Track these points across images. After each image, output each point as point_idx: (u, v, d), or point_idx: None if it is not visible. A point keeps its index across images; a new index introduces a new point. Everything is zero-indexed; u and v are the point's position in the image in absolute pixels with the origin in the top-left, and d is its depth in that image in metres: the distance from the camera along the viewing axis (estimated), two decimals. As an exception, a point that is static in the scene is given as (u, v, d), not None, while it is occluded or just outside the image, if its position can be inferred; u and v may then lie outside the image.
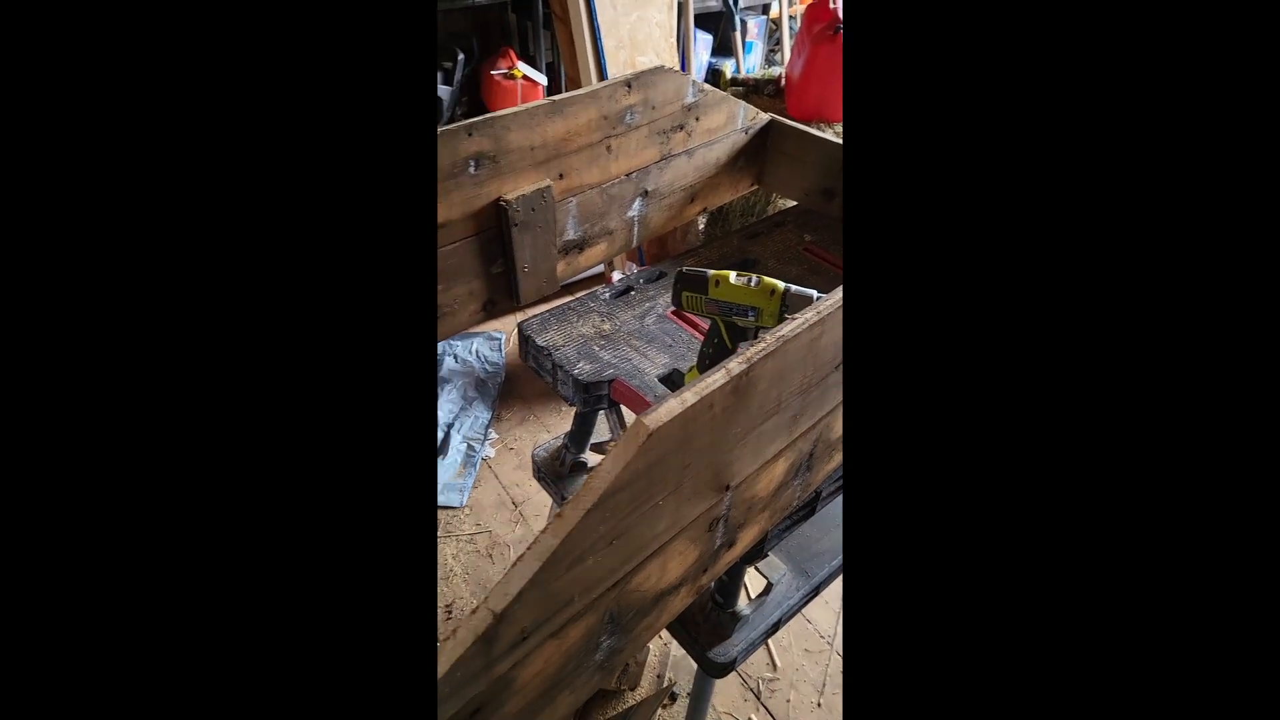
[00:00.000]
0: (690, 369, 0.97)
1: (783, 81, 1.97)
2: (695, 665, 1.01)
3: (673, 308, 1.13)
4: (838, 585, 1.49)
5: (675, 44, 2.00)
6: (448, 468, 1.83)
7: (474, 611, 0.44)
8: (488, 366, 2.13)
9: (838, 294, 0.63)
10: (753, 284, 0.86)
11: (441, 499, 1.77)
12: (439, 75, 2.14)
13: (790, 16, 2.67)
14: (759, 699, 1.41)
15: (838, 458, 0.88)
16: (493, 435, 1.95)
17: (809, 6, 1.76)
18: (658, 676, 1.43)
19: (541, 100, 0.97)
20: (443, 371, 2.08)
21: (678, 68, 2.18)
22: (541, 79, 2.25)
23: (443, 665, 0.42)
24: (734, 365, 0.52)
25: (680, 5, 2.14)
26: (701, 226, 2.23)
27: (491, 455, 1.90)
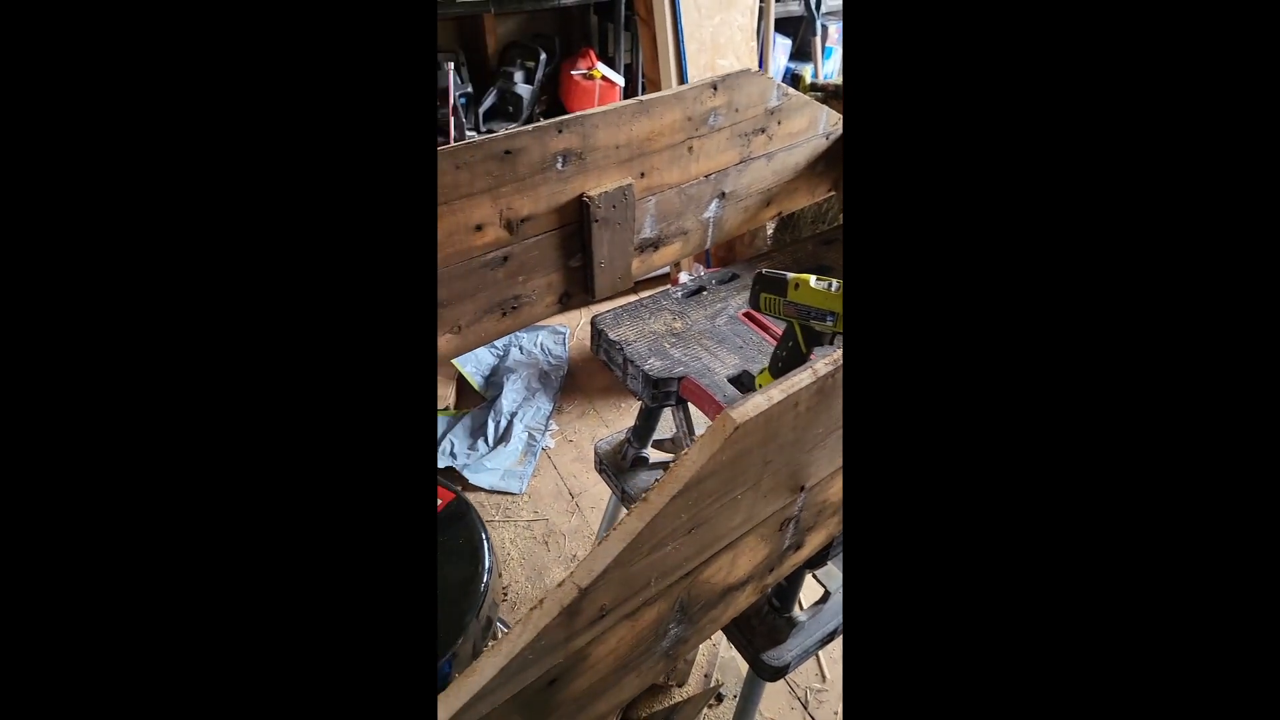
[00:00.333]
0: (761, 371, 0.97)
1: (863, 87, 1.93)
2: (743, 668, 1.01)
3: (744, 310, 1.14)
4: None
5: (755, 47, 1.99)
6: (509, 455, 1.88)
7: (560, 584, 0.46)
8: (551, 359, 2.18)
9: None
10: (832, 289, 0.85)
11: (502, 485, 1.82)
12: (521, 74, 2.20)
13: (873, 22, 2.62)
14: (805, 708, 1.40)
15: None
16: (553, 426, 1.99)
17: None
18: (705, 676, 1.44)
19: (629, 100, 0.99)
20: (508, 362, 2.14)
21: (756, 69, 2.17)
22: (619, 80, 2.28)
23: (529, 633, 0.45)
24: (821, 366, 0.52)
25: (761, 9, 2.14)
26: (770, 232, 2.22)
27: (551, 446, 1.94)
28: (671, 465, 0.48)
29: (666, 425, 1.25)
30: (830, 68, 2.78)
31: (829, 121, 1.28)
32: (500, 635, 1.02)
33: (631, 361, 1.03)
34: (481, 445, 1.91)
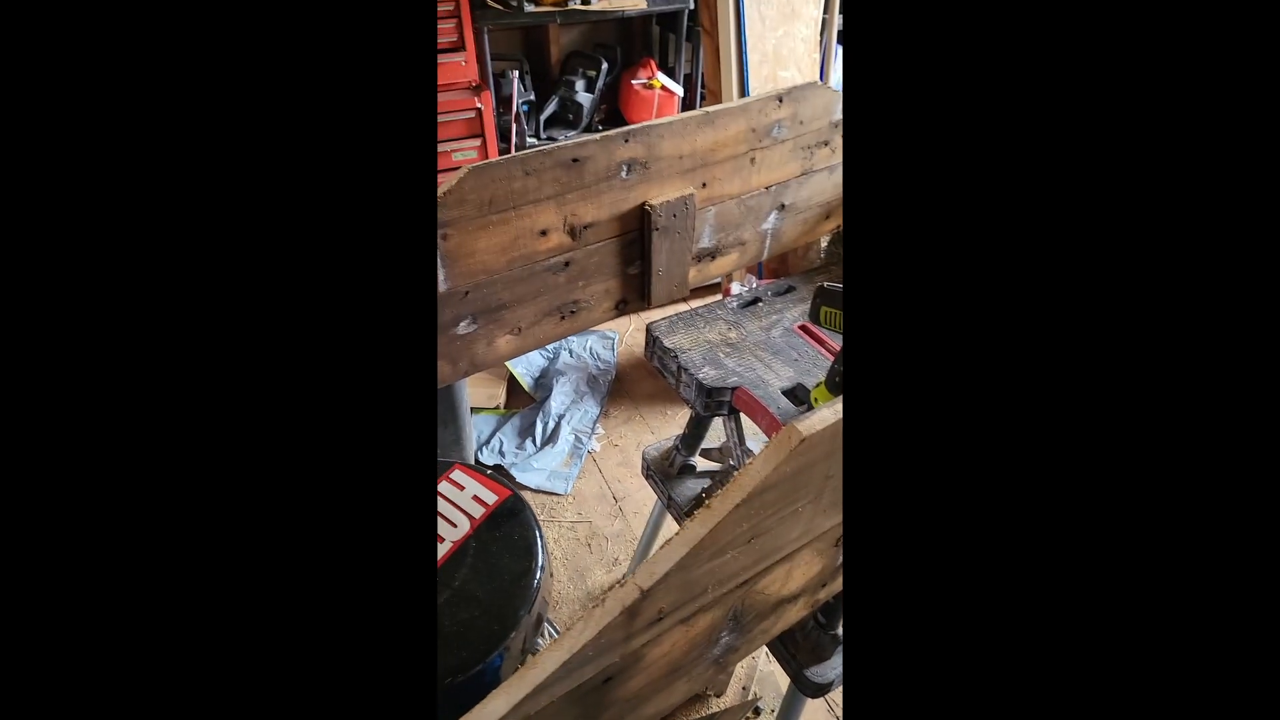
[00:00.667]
0: (817, 385, 0.97)
1: (927, 101, 1.91)
2: (782, 682, 1.01)
3: (800, 322, 1.13)
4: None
5: (817, 59, 1.99)
6: (556, 456, 1.91)
7: (623, 585, 0.47)
8: (600, 364, 2.20)
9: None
10: (894, 305, 0.84)
11: (547, 485, 1.85)
12: (582, 83, 2.24)
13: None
14: (845, 730, 1.37)
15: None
16: (599, 430, 2.01)
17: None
18: (743, 689, 1.43)
19: (695, 111, 1.00)
20: (558, 364, 2.17)
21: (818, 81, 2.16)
22: (678, 90, 2.30)
23: (590, 631, 0.46)
24: (888, 382, 0.52)
25: (825, 21, 2.13)
26: (824, 244, 2.20)
27: (597, 449, 1.96)
28: (736, 474, 0.48)
29: (714, 434, 1.25)
30: (892, 80, 2.73)
31: (893, 135, 1.26)
32: (549, 635, 1.04)
33: (685, 369, 1.04)
34: (529, 445, 1.94)
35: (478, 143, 2.08)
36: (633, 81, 2.27)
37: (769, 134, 1.09)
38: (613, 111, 2.38)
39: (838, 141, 1.19)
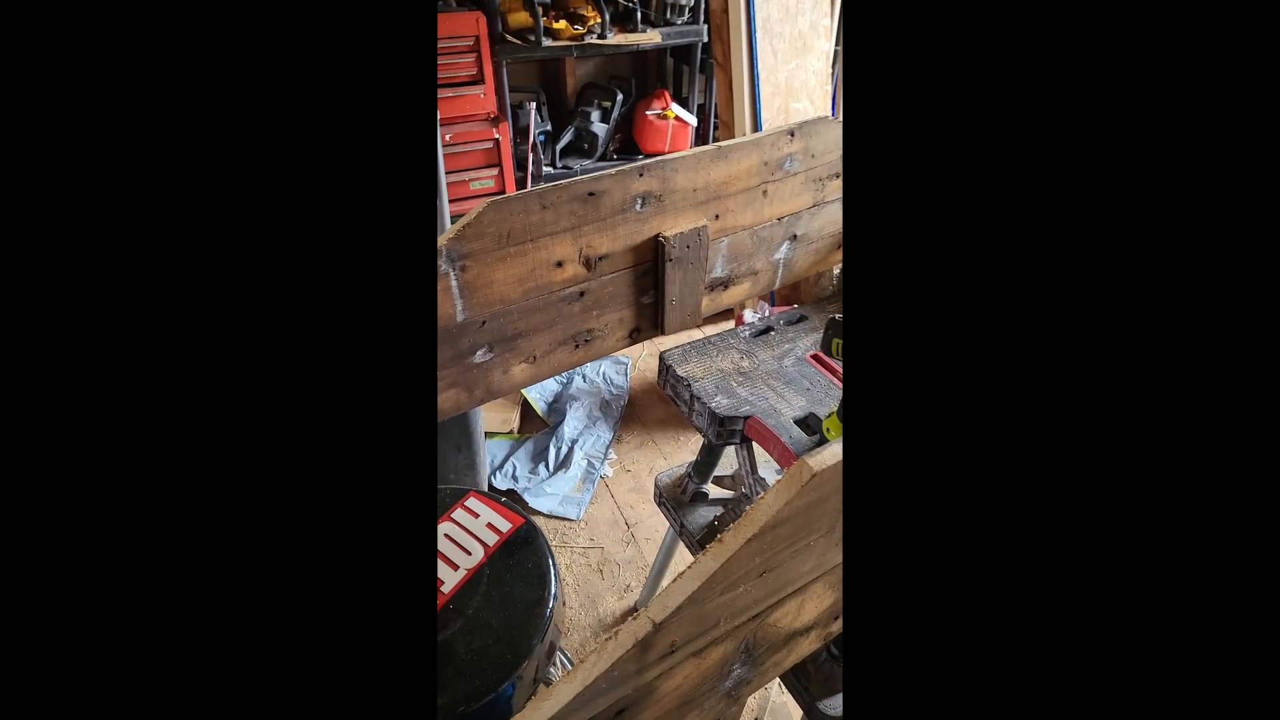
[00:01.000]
0: (829, 415, 0.97)
1: (938, 131, 1.93)
2: (794, 715, 1.00)
3: (812, 352, 1.14)
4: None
5: (829, 91, 2.02)
6: (568, 481, 1.92)
7: (636, 618, 0.47)
8: (613, 389, 2.22)
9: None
10: (905, 337, 0.85)
11: (560, 510, 1.85)
12: (597, 113, 2.29)
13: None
14: (860, 766, 1.35)
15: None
16: (612, 455, 2.02)
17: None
18: (755, 721, 1.41)
19: (709, 146, 1.02)
20: (571, 390, 2.19)
21: (829, 113, 2.19)
22: (692, 120, 2.35)
23: (603, 664, 0.46)
24: (898, 418, 0.53)
25: (837, 53, 2.17)
26: (836, 273, 2.21)
27: (609, 475, 1.96)
28: (748, 509, 0.49)
29: (726, 462, 1.25)
30: (903, 109, 2.76)
31: (904, 167, 1.28)
32: (560, 663, 1.03)
33: (698, 398, 1.05)
34: (542, 470, 1.95)
35: (495, 172, 2.13)
36: (647, 112, 2.32)
37: (781, 167, 1.11)
38: (627, 141, 2.42)
39: (849, 174, 1.21)
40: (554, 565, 0.85)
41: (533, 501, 1.87)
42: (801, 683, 0.98)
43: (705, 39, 2.22)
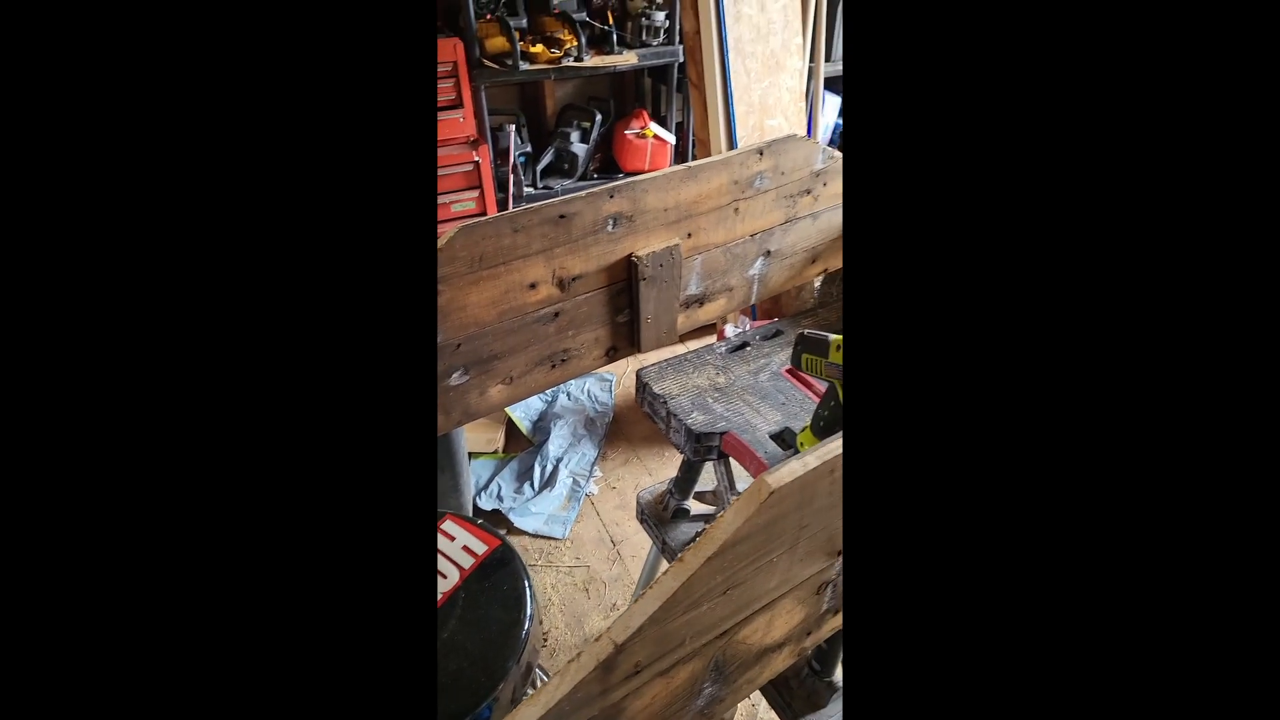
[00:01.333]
0: (803, 429, 0.98)
1: (911, 145, 1.96)
2: (785, 732, 0.99)
3: (788, 366, 1.15)
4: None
5: (804, 107, 2.05)
6: (554, 499, 1.91)
7: (598, 639, 0.48)
8: (598, 406, 2.22)
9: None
10: (873, 351, 0.86)
11: (545, 529, 1.85)
12: (577, 134, 2.32)
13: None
14: (850, 781, 1.34)
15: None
16: (597, 473, 2.02)
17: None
18: (744, 739, 1.40)
19: (678, 167, 1.04)
20: (555, 408, 2.19)
21: (804, 130, 2.23)
22: (670, 138, 2.38)
23: (566, 685, 0.47)
24: (856, 433, 0.54)
25: (811, 70, 2.21)
26: (817, 285, 2.24)
27: (595, 492, 1.96)
28: (708, 527, 0.50)
29: (709, 476, 1.26)
30: (879, 124, 2.80)
31: (874, 183, 1.30)
32: (540, 683, 1.03)
33: (675, 415, 1.06)
34: (527, 489, 1.95)
35: (476, 194, 2.14)
36: (626, 131, 2.35)
37: (751, 185, 1.13)
38: (607, 160, 2.45)
39: (819, 190, 1.23)
40: (530, 586, 0.85)
41: (518, 521, 1.86)
42: (784, 698, 0.98)
43: (681, 59, 2.25)
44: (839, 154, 1.23)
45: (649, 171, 1.08)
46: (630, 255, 1.05)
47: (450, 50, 1.95)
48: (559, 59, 2.07)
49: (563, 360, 1.09)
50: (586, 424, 2.15)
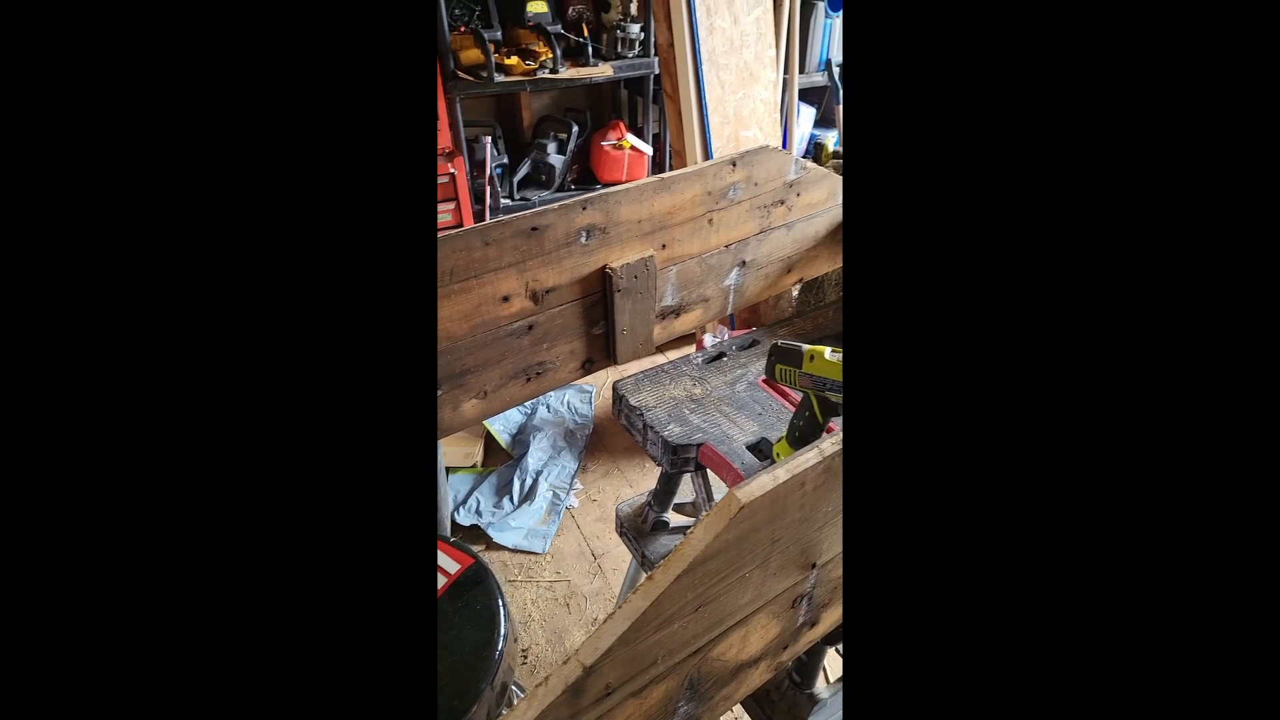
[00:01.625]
0: (779, 439, 0.98)
1: (885, 155, 1.98)
2: (768, 746, 0.98)
3: (763, 376, 1.15)
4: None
5: (779, 118, 2.07)
6: (534, 513, 1.89)
7: (566, 662, 0.46)
8: (578, 418, 2.20)
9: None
10: (847, 360, 0.87)
11: (525, 544, 1.82)
12: (554, 145, 2.31)
13: (895, 91, 2.69)
14: (834, 793, 1.33)
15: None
16: (578, 485, 2.00)
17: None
18: (727, 753, 1.39)
19: (651, 178, 1.04)
20: (535, 420, 2.17)
21: (779, 141, 2.25)
22: (647, 149, 2.38)
23: (533, 711, 0.45)
24: (827, 446, 0.53)
25: (785, 81, 2.23)
26: (795, 294, 2.25)
27: (575, 505, 1.94)
28: (678, 545, 0.49)
29: (688, 488, 1.25)
30: (854, 134, 2.84)
31: (847, 193, 1.31)
32: (515, 701, 1.01)
33: (651, 427, 1.05)
34: (507, 503, 1.92)
35: (452, 205, 2.13)
36: (603, 143, 2.35)
37: (725, 196, 1.13)
38: (584, 171, 2.45)
39: (794, 200, 1.24)
40: (504, 605, 0.84)
41: (497, 536, 1.84)
42: (765, 712, 0.97)
43: (657, 71, 2.26)
44: (812, 165, 1.24)
45: (627, 182, 1.08)
46: (605, 267, 1.04)
47: (424, 62, 1.94)
48: (534, 71, 2.07)
49: (538, 373, 1.08)
50: (566, 436, 2.13)
